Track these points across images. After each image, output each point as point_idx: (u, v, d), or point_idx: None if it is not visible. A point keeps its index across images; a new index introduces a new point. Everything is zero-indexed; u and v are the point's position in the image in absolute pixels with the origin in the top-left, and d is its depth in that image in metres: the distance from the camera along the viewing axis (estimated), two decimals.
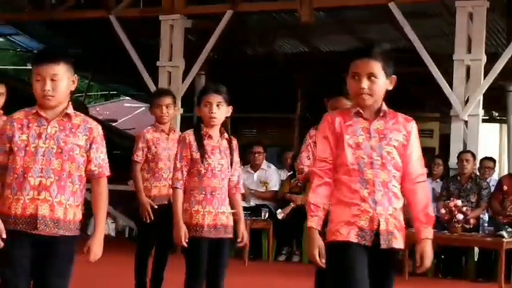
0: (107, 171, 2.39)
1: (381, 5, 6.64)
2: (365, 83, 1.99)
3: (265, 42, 9.49)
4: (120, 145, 8.74)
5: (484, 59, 6.30)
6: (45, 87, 2.20)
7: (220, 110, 3.01)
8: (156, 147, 4.06)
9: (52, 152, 2.27)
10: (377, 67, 2.00)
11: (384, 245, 1.96)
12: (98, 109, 12.72)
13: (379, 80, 2.01)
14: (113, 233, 9.22)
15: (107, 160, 2.43)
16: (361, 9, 7.49)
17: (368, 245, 1.96)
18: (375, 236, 2.00)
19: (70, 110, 2.30)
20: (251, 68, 9.47)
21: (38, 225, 2.19)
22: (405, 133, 2.10)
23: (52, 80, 2.21)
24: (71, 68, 2.30)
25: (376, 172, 2.06)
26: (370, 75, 1.99)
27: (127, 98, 13.23)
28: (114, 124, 11.32)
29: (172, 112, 4.20)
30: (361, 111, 2.04)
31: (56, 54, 2.37)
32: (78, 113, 2.42)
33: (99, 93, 12.89)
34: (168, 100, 4.07)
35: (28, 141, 2.26)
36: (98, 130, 2.38)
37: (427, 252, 2.06)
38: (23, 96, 4.47)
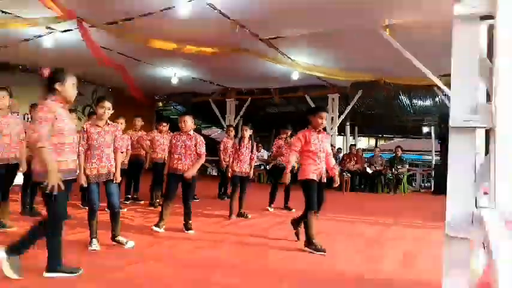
0: (203, 153, 5.18)
1: (301, 97, 13.30)
2: (324, 122, 4.52)
3: (263, 108, 16.19)
4: (211, 143, 14.03)
5: (337, 115, 12.82)
6: (182, 125, 5.18)
7: (247, 132, 6.49)
8: (227, 145, 7.96)
9: (183, 146, 5.19)
10: (326, 116, 4.59)
11: (322, 180, 4.61)
12: (203, 132, 19.78)
13: (326, 120, 4.53)
14: (215, 173, 14.94)
15: (204, 149, 5.15)
16: (296, 98, 13.97)
17: (317, 180, 4.52)
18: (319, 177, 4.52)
19: (191, 132, 5.13)
20: (257, 118, 15.40)
21: (177, 172, 5.10)
22: (328, 139, 4.64)
23: (184, 121, 5.15)
24: (193, 118, 5.29)
25: (320, 154, 4.53)
26: (325, 119, 4.55)
27: (214, 127, 21.28)
28: (210, 136, 19.87)
29: (233, 133, 8.11)
30: (315, 130, 4.50)
31: (186, 113, 5.37)
32: (194, 133, 5.18)
33: (205, 125, 21.25)
34: (232, 128, 8.24)
35: (176, 143, 5.23)
36: (201, 138, 5.16)
37: (339, 179, 4.61)
38: (174, 126, 6.59)
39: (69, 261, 3.66)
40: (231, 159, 6.58)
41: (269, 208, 7.56)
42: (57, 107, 3.35)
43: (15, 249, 3.40)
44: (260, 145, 13.91)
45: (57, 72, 3.42)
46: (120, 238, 4.53)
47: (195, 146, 5.27)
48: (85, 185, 4.34)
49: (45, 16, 7.18)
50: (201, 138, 5.34)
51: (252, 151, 6.60)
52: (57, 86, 3.39)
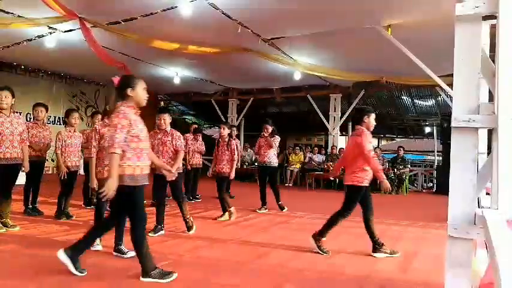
0: (181, 149, 5.04)
1: (303, 97, 13.84)
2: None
3: (264, 108, 17.23)
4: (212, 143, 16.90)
5: (339, 115, 13.05)
6: (160, 122, 5.12)
7: (225, 130, 6.53)
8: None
9: (160, 144, 5.09)
10: None
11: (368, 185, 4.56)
12: (204, 131, 19.52)
13: None
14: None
15: (181, 143, 5.04)
16: (297, 97, 14.40)
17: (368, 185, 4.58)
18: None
19: (168, 128, 5.09)
20: (259, 118, 15.31)
21: (158, 171, 4.80)
22: None
23: (163, 119, 5.11)
24: (170, 115, 5.19)
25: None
26: None
27: (215, 126, 21.15)
28: (212, 136, 19.39)
29: (235, 133, 9.23)
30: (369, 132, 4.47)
31: (165, 110, 5.21)
32: (171, 129, 5.12)
33: (207, 125, 22.19)
34: (234, 128, 9.25)
35: (153, 142, 5.01)
36: (177, 133, 5.08)
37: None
38: (176, 125, 6.40)
39: None
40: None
41: (258, 210, 7.48)
42: (131, 113, 3.41)
43: (146, 270, 3.50)
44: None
45: (128, 78, 3.50)
46: (121, 247, 4.33)
47: (171, 141, 5.12)
48: (96, 188, 4.33)
49: (47, 16, 7.23)
50: (178, 133, 5.20)
51: (232, 151, 6.44)
52: (128, 91, 3.45)
